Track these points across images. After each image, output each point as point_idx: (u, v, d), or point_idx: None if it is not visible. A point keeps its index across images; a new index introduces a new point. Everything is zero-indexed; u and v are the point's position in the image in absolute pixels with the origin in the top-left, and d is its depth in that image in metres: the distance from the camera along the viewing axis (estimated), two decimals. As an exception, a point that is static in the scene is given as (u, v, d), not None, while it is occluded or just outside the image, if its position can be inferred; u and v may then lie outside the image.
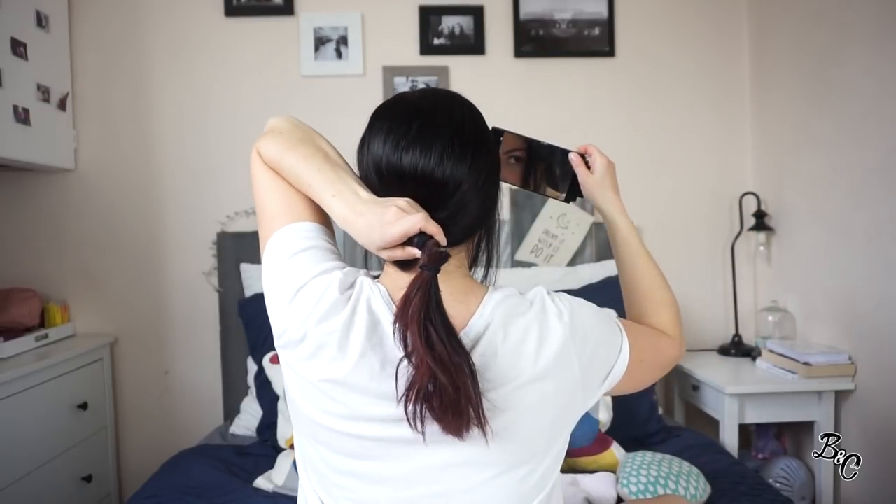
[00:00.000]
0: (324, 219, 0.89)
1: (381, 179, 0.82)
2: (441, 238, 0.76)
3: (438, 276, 0.78)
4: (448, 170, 0.80)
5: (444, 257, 0.75)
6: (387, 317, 0.80)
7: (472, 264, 0.91)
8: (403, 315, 0.74)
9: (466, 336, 0.80)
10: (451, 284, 0.84)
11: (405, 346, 0.74)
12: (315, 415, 0.82)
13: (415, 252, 0.76)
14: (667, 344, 0.98)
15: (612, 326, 0.90)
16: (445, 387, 0.72)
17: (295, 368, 0.82)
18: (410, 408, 0.74)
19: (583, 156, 1.05)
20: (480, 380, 0.76)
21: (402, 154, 0.80)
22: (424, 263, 0.74)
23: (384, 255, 0.79)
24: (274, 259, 0.84)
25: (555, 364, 0.81)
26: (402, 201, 0.77)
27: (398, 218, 0.75)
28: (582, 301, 0.89)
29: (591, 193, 1.05)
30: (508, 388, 0.79)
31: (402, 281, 0.81)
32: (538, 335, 0.81)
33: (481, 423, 0.75)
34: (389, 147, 0.81)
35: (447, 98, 0.87)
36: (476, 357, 0.78)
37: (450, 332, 0.74)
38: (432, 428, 0.76)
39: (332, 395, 0.79)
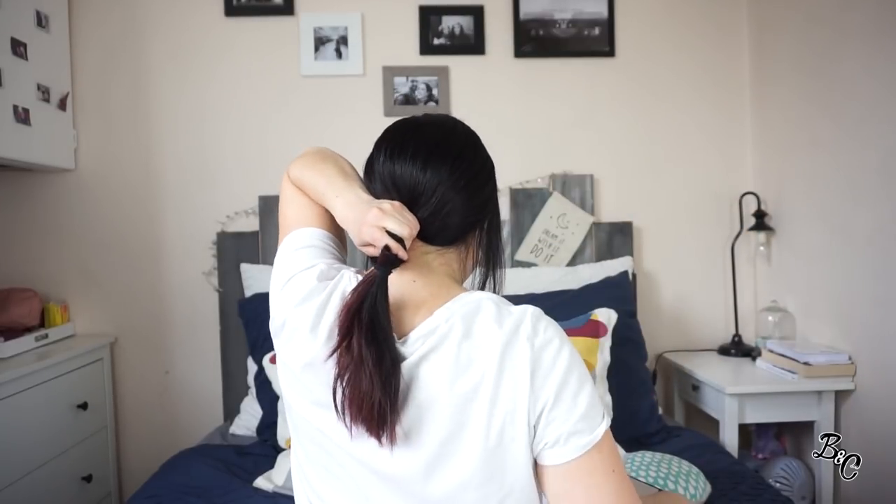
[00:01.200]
0: (335, 229, 0.96)
1: (384, 187, 0.89)
2: (407, 242, 0.82)
3: (417, 267, 0.87)
4: (429, 173, 0.87)
5: (394, 261, 0.81)
6: None
7: (468, 270, 0.95)
8: (345, 305, 0.80)
9: (423, 328, 0.82)
10: (430, 280, 0.88)
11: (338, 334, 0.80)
12: (294, 402, 0.87)
13: (376, 252, 0.82)
14: None
15: (597, 410, 0.80)
16: (356, 382, 0.77)
17: (279, 354, 0.88)
18: (338, 397, 0.79)
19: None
20: (430, 366, 0.79)
21: (395, 163, 0.88)
22: (377, 262, 0.82)
23: (361, 249, 0.85)
24: (279, 255, 0.93)
25: (507, 382, 0.78)
26: (388, 204, 0.83)
27: (377, 220, 0.82)
28: (577, 358, 0.81)
29: None
30: (457, 382, 0.78)
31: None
32: (502, 346, 0.78)
33: (387, 428, 0.77)
34: (385, 157, 0.89)
35: (442, 116, 0.96)
36: (426, 346, 0.80)
37: (373, 332, 0.77)
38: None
39: (303, 380, 0.84)
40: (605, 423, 0.81)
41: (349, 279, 0.86)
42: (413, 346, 0.81)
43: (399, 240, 0.81)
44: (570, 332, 1.94)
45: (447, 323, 0.81)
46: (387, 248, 0.81)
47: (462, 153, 0.90)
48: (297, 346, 0.84)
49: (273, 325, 0.89)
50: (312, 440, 0.87)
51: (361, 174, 0.96)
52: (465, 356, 0.79)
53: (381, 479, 0.82)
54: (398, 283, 0.86)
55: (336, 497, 0.86)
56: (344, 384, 0.78)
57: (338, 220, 0.89)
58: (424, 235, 0.87)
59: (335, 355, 0.79)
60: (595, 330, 1.97)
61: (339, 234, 0.97)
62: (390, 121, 0.92)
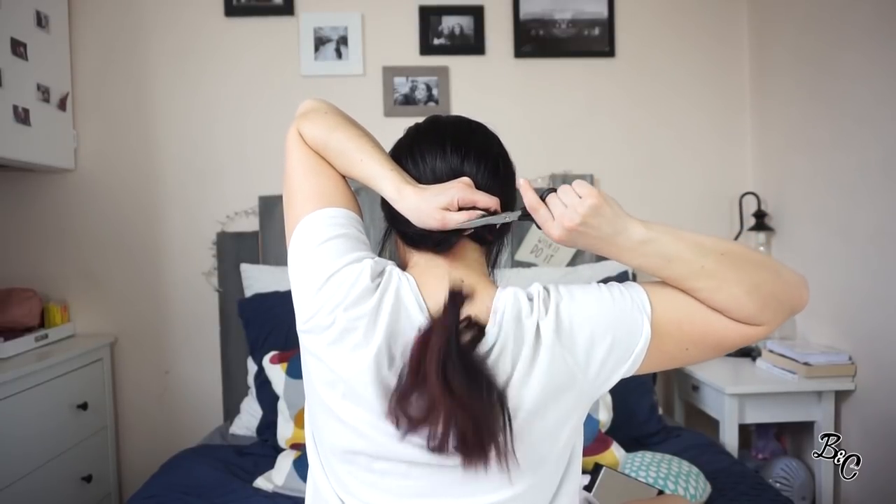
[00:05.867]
0: (355, 205, 0.92)
1: (436, 180, 0.88)
2: (499, 208, 0.86)
3: (461, 261, 0.89)
4: (497, 180, 0.90)
5: (504, 229, 0.88)
6: (414, 309, 0.83)
7: (494, 265, 0.97)
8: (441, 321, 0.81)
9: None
10: (471, 278, 0.88)
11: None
12: (333, 403, 0.83)
13: (475, 213, 0.82)
14: (735, 331, 0.84)
15: (626, 309, 0.84)
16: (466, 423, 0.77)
17: (318, 354, 0.84)
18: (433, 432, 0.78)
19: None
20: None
21: (464, 162, 0.89)
22: (494, 230, 0.86)
23: (435, 218, 0.82)
24: (303, 244, 0.86)
25: (551, 376, 0.81)
26: (461, 182, 0.85)
27: (472, 190, 0.84)
28: (584, 288, 0.87)
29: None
30: (515, 391, 0.81)
31: (429, 274, 0.87)
32: (534, 336, 0.82)
33: (505, 459, 0.78)
34: (448, 153, 0.89)
35: (479, 125, 0.97)
36: (489, 361, 0.81)
37: (473, 372, 0.78)
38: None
39: (350, 384, 0.82)
40: (645, 307, 0.84)
41: (398, 277, 0.85)
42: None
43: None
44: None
45: (501, 334, 0.82)
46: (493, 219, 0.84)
47: (512, 167, 0.95)
48: (347, 350, 0.81)
49: (310, 323, 0.84)
50: (342, 439, 0.85)
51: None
52: (522, 364, 0.81)
53: (433, 468, 0.82)
54: (449, 283, 0.86)
55: (371, 490, 0.85)
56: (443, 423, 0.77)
57: (388, 190, 0.85)
58: (479, 236, 0.90)
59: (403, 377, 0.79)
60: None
61: (357, 208, 0.93)
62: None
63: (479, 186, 0.87)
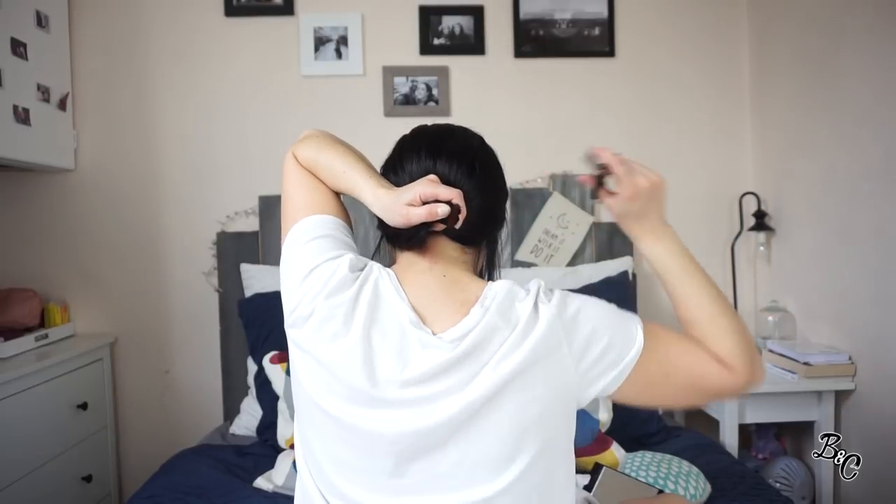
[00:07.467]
0: (344, 215, 0.98)
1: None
2: (459, 203, 0.87)
3: (440, 258, 0.92)
4: (473, 180, 0.92)
5: (456, 217, 0.87)
6: (394, 299, 0.87)
7: (481, 269, 1.00)
8: None
9: (464, 325, 0.85)
10: (454, 273, 0.92)
11: None
12: (317, 395, 0.86)
13: (436, 210, 0.85)
14: (714, 370, 0.89)
15: (624, 319, 0.90)
16: None
17: (303, 346, 0.88)
18: None
19: (602, 176, 0.99)
20: (471, 362, 0.83)
21: (437, 163, 0.92)
22: (448, 222, 0.87)
23: (400, 214, 0.85)
24: (292, 244, 0.93)
25: (543, 346, 0.84)
26: (427, 179, 0.89)
27: (435, 184, 0.87)
28: (587, 296, 0.92)
29: (619, 221, 1.01)
30: (501, 370, 0.82)
31: (411, 270, 0.91)
32: (528, 320, 0.84)
33: None
34: (422, 157, 0.92)
35: (462, 129, 1.00)
36: (469, 340, 0.83)
37: None
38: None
39: (333, 370, 0.85)
40: (640, 328, 0.89)
41: (379, 271, 0.90)
42: (453, 343, 0.84)
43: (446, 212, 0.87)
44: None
45: (486, 316, 0.85)
46: (451, 208, 0.86)
47: (497, 167, 0.98)
48: (326, 337, 0.85)
49: (293, 316, 0.89)
50: (329, 434, 0.87)
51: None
52: (510, 343, 0.83)
53: (413, 443, 0.84)
54: (430, 278, 0.90)
55: (359, 489, 0.86)
56: None
57: (367, 196, 0.91)
58: (455, 235, 0.92)
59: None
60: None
61: (347, 219, 0.99)
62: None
63: (450, 183, 0.90)
